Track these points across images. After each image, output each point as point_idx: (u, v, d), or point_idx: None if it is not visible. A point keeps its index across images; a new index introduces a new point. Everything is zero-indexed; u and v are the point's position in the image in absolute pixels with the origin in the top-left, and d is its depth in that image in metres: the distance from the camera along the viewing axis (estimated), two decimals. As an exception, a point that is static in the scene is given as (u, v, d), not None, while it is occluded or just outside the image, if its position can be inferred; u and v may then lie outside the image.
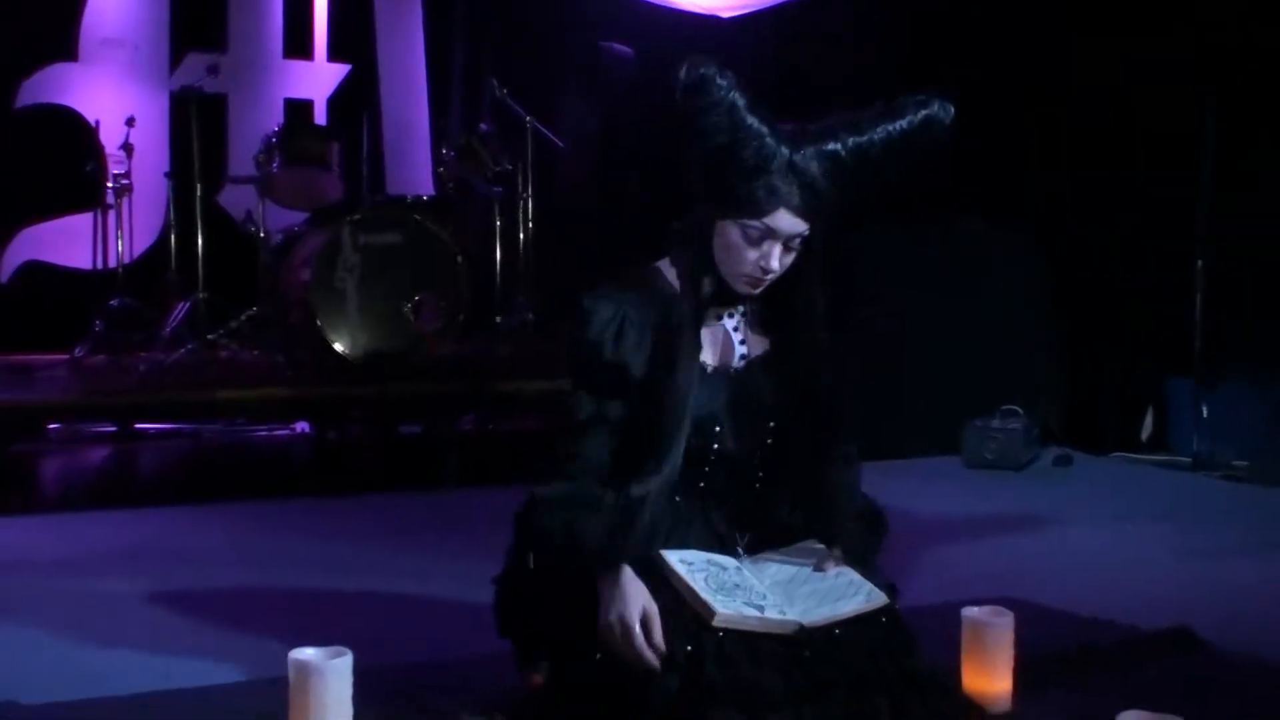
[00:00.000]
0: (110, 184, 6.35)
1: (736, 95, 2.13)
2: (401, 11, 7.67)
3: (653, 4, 7.14)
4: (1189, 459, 5.10)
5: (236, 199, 6.86)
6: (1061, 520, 4.20)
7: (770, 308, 2.32)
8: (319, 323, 5.77)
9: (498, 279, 6.75)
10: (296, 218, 6.60)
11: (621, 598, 2.09)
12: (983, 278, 5.61)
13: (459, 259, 6.04)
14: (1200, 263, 5.18)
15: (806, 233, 2.19)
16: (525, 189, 6.72)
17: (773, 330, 2.34)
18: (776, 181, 2.14)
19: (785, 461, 2.32)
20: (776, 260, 2.18)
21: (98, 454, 5.58)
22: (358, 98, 7.42)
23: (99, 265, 6.47)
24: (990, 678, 2.29)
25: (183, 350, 5.93)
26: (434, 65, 7.70)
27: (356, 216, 5.91)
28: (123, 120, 6.40)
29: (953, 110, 2.21)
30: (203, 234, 6.44)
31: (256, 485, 4.89)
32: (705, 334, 2.28)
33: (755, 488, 2.33)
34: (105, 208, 6.40)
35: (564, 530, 2.16)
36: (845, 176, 2.17)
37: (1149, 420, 5.63)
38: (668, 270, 2.32)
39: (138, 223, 6.61)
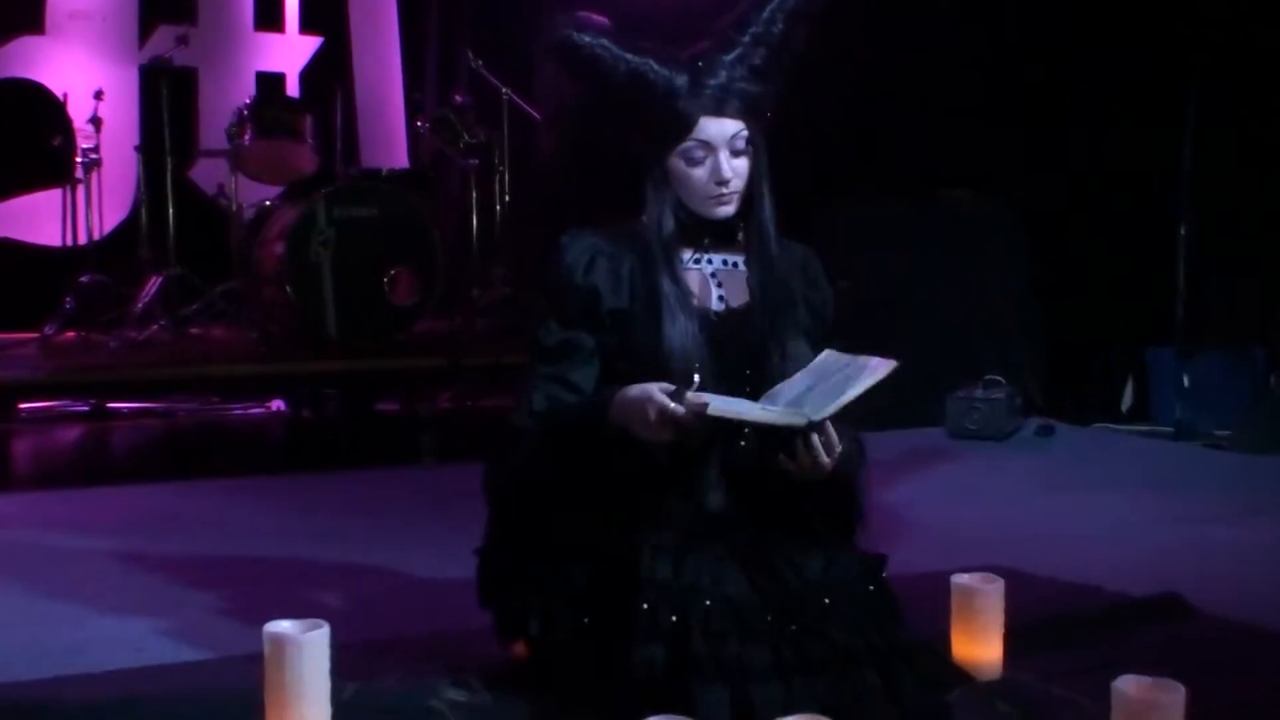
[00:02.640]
0: (79, 158, 6.26)
1: (603, 41, 2.19)
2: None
3: (629, -26, 7.07)
4: (1170, 428, 5.08)
5: (208, 173, 6.79)
6: (1047, 489, 4.18)
7: (746, 243, 2.32)
8: (293, 297, 5.71)
9: (474, 252, 6.68)
10: (269, 192, 6.52)
11: (637, 400, 2.04)
12: (964, 249, 5.57)
13: (435, 232, 5.98)
14: (1182, 232, 5.15)
15: (745, 132, 2.21)
16: (501, 161, 6.66)
17: (752, 265, 2.32)
18: (687, 98, 2.18)
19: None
20: (726, 167, 2.20)
21: (70, 433, 5.50)
22: (330, 70, 7.35)
23: (69, 241, 6.38)
24: (980, 644, 2.26)
25: (155, 327, 5.87)
26: (408, 37, 7.63)
27: (331, 189, 5.85)
28: (91, 94, 6.31)
29: None
30: (174, 208, 6.35)
31: (231, 463, 4.83)
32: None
33: (740, 442, 2.26)
34: (74, 183, 6.31)
35: (541, 424, 2.16)
36: (758, 70, 2.22)
37: (1130, 390, 5.61)
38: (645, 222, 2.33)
39: (108, 198, 6.52)
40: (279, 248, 5.78)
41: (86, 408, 5.62)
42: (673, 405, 2.00)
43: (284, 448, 5.54)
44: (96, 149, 6.28)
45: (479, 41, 7.08)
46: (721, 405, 2.00)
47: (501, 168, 6.66)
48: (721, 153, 2.19)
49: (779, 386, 2.17)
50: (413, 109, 7.43)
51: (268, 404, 5.92)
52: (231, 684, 2.21)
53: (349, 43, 7.56)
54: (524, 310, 6.39)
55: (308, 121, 6.28)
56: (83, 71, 6.74)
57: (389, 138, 7.57)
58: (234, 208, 6.33)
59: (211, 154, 6.53)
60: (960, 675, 2.23)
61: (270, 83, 7.31)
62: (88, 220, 6.34)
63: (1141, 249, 5.38)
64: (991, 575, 2.33)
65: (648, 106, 2.19)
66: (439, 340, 6.17)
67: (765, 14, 2.23)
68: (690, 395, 2.00)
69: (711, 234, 2.30)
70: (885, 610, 2.14)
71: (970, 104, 5.75)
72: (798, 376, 2.18)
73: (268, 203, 6.35)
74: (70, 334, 6.03)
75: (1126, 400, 5.60)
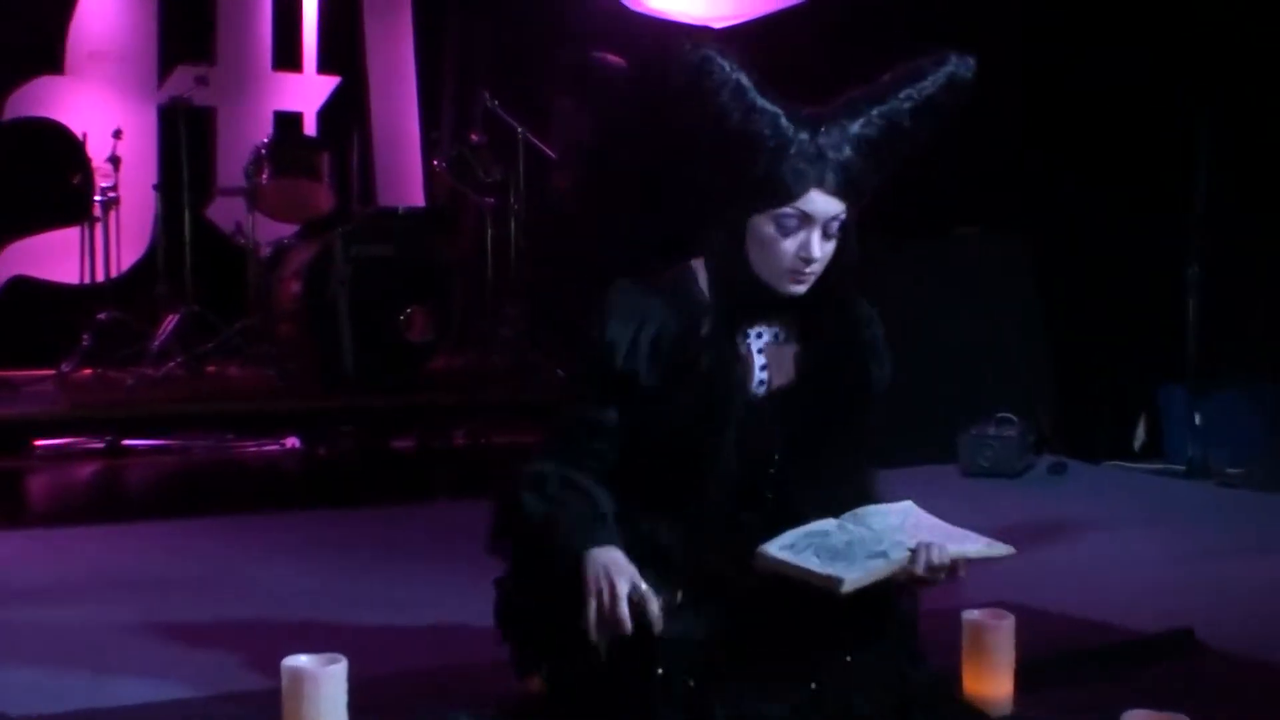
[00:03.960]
0: (98, 197, 6.32)
1: (742, 75, 2.04)
2: (391, 23, 7.67)
3: (645, 14, 7.14)
4: (1183, 466, 5.08)
5: (226, 211, 6.84)
6: (1058, 526, 4.17)
7: (807, 315, 2.17)
8: (310, 335, 5.75)
9: (490, 289, 6.72)
10: (286, 230, 6.57)
11: (613, 565, 1.96)
12: (975, 285, 5.59)
13: (451, 271, 6.03)
14: (1194, 269, 5.16)
15: (844, 216, 2.07)
16: (517, 200, 6.70)
17: (812, 338, 2.18)
18: (803, 163, 2.03)
19: (793, 488, 2.16)
20: (817, 247, 2.05)
21: (85, 470, 5.53)
22: (348, 110, 7.42)
23: (87, 279, 6.43)
24: (991, 681, 2.27)
25: (171, 364, 5.91)
26: (425, 77, 7.70)
27: (348, 228, 5.90)
28: (110, 133, 6.37)
29: (973, 64, 2.12)
30: (192, 247, 6.41)
31: (246, 500, 4.85)
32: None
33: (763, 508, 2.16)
34: (93, 221, 6.36)
35: (544, 511, 2.08)
36: (877, 150, 2.08)
37: (1142, 428, 5.60)
38: (701, 274, 2.19)
39: (125, 236, 6.58)
40: (296, 286, 5.83)
41: (102, 444, 5.66)
42: (623, 611, 1.92)
43: (299, 484, 5.56)
44: (115, 187, 6.34)
45: (495, 82, 7.15)
46: (785, 556, 1.95)
47: (517, 206, 6.71)
48: (816, 230, 2.05)
49: (869, 511, 2.08)
50: (429, 148, 7.49)
51: (283, 441, 5.95)
52: (249, 719, 2.23)
53: (366, 83, 7.63)
54: (539, 347, 6.42)
55: (325, 160, 6.35)
56: (102, 111, 6.81)
57: (405, 176, 7.62)
58: (251, 246, 6.38)
59: (229, 193, 6.59)
60: (971, 712, 2.24)
61: (288, 122, 7.38)
62: (106, 258, 6.40)
63: (1153, 285, 5.38)
64: (1002, 611, 2.34)
65: (765, 155, 2.03)
66: (454, 377, 6.21)
67: (901, 94, 2.09)
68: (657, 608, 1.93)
69: (769, 305, 2.15)
70: (908, 654, 2.13)
71: (978, 138, 5.77)
72: (883, 509, 2.10)
73: (284, 241, 6.40)
74: (87, 371, 6.07)
75: (1139, 438, 5.60)
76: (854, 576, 1.91)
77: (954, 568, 2.02)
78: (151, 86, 7.11)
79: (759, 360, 2.18)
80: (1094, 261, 5.55)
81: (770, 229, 2.06)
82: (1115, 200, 5.44)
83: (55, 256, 6.78)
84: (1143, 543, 3.92)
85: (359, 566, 3.61)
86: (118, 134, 6.37)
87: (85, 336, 6.14)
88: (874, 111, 2.08)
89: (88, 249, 6.41)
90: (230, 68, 7.26)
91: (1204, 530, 4.08)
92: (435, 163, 6.80)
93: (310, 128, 7.45)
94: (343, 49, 7.57)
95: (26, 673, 2.63)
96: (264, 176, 6.18)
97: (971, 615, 2.32)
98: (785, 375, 2.17)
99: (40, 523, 4.45)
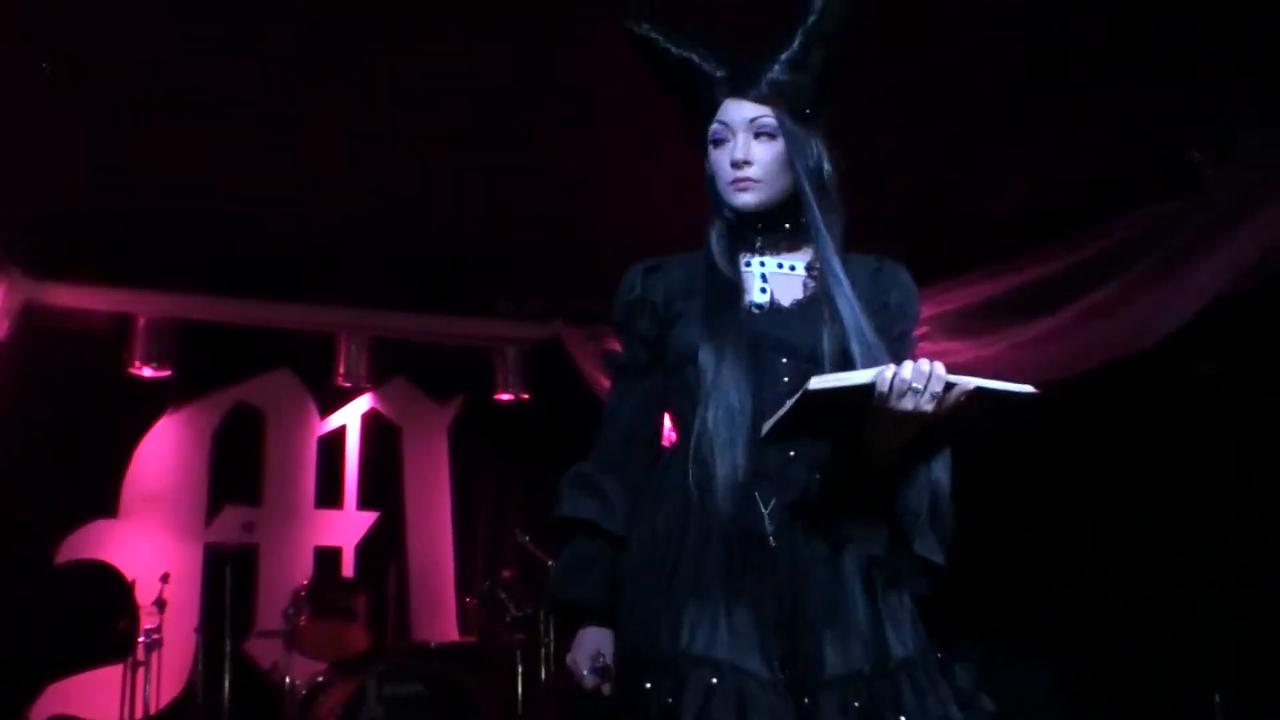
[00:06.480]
0: (142, 639, 6.46)
1: (653, 34, 2.27)
2: (429, 462, 7.96)
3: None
4: None
5: (264, 649, 6.96)
6: None
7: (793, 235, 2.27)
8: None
9: (521, 724, 6.74)
10: (322, 664, 6.68)
11: (580, 644, 2.36)
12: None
13: (482, 708, 6.10)
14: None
15: (770, 117, 2.19)
16: (548, 634, 6.81)
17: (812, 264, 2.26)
18: (716, 85, 2.22)
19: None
20: (741, 149, 2.19)
21: None
22: (385, 544, 7.63)
23: (126, 717, 6.49)
24: None
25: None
26: (460, 514, 7.93)
27: (382, 669, 6.02)
28: (158, 576, 6.58)
29: None
30: (229, 684, 6.50)
31: None
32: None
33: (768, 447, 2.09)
34: (136, 663, 6.48)
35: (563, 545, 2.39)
36: (795, 60, 2.19)
37: None
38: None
39: (166, 674, 6.67)
40: (329, 726, 5.91)
41: None
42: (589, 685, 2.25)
43: None
44: (159, 629, 6.48)
45: (527, 519, 7.38)
46: (822, 381, 1.88)
47: (548, 639, 6.81)
48: (740, 135, 2.19)
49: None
50: (462, 584, 7.66)
51: None
52: None
53: (404, 517, 7.84)
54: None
55: (362, 601, 6.54)
56: (151, 552, 6.97)
57: (439, 610, 7.72)
58: (287, 685, 6.47)
59: (268, 635, 6.72)
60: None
61: (327, 558, 7.58)
62: (145, 696, 6.47)
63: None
64: None
65: (685, 89, 2.25)
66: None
67: (813, 11, 2.20)
68: None
69: (761, 234, 2.26)
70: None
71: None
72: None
73: (319, 679, 6.50)
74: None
75: None
76: (821, 379, 1.87)
77: (952, 394, 1.90)
78: (199, 526, 7.32)
79: (760, 280, 2.25)
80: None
81: (711, 151, 2.25)
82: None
83: (96, 695, 6.83)
84: None
85: None
86: (165, 578, 6.56)
87: (119, 780, 6.15)
88: (795, 38, 2.21)
89: (128, 688, 6.50)
90: (275, 507, 7.51)
91: None
92: (467, 600, 6.97)
93: (348, 562, 7.66)
94: (382, 486, 7.85)
95: None
96: (303, 619, 6.36)
97: None
98: (791, 296, 2.25)
99: None
